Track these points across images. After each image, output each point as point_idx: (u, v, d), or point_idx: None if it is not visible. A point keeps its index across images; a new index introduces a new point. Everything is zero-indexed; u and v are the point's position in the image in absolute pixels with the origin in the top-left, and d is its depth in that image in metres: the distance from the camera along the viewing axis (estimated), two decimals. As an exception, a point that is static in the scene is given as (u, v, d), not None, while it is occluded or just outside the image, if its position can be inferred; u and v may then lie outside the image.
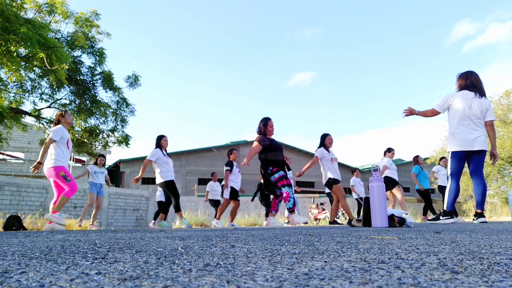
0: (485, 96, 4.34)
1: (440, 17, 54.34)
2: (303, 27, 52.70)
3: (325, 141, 6.40)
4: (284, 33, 53.33)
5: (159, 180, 6.17)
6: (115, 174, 27.58)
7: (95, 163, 7.51)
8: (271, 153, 5.22)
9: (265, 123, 5.40)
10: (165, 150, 6.33)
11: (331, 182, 6.26)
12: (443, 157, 8.74)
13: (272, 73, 52.74)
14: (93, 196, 7.26)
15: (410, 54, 53.06)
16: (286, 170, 5.40)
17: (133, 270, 0.79)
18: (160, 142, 6.27)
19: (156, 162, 6.13)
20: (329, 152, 6.34)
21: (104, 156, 7.67)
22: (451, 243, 1.38)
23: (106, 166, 25.04)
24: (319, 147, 6.43)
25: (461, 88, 4.41)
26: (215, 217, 8.70)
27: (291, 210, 5.10)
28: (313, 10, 53.34)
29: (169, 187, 6.13)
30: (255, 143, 5.23)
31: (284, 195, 5.05)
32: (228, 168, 7.15)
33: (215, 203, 9.02)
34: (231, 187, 7.15)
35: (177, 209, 6.14)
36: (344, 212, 11.01)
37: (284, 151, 5.72)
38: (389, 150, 8.15)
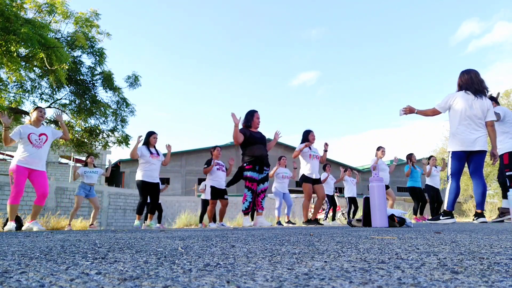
0: (486, 97, 4.35)
1: (446, 17, 54.18)
2: (309, 26, 52.63)
3: (308, 137, 6.37)
4: (289, 32, 53.23)
5: (136, 177, 6.15)
6: (115, 174, 27.57)
7: (85, 164, 7.36)
8: (249, 148, 5.28)
9: (252, 114, 5.45)
10: (154, 148, 6.22)
11: (302, 179, 6.25)
12: (432, 156, 8.59)
13: (276, 73, 52.62)
14: (80, 199, 7.04)
15: (414, 53, 52.90)
16: (264, 165, 5.36)
17: (133, 270, 0.79)
18: (149, 139, 6.17)
19: (139, 159, 6.08)
20: (310, 148, 6.34)
21: (94, 155, 7.48)
22: (451, 243, 1.38)
23: (106, 166, 25.14)
24: (302, 142, 6.39)
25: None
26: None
27: (245, 213, 5.36)
28: (320, 9, 53.28)
29: (138, 187, 6.06)
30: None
31: (243, 196, 5.34)
32: (205, 165, 6.93)
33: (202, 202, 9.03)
34: (212, 187, 6.89)
35: (138, 211, 6.11)
36: (343, 212, 11.01)
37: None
38: (378, 148, 7.75)
